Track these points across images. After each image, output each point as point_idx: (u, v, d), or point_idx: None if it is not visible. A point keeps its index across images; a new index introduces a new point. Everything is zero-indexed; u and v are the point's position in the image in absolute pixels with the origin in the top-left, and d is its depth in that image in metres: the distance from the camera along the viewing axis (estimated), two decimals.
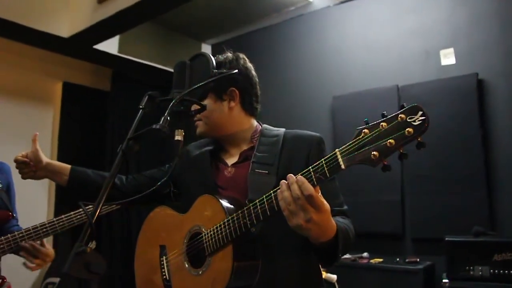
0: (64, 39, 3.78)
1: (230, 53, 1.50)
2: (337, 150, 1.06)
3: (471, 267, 2.74)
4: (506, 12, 3.19)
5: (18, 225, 2.03)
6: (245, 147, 1.52)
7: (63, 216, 1.90)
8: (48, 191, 4.58)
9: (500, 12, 3.22)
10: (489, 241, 2.76)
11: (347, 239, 1.22)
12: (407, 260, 3.19)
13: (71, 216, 1.98)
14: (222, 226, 1.28)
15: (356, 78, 3.89)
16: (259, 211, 1.19)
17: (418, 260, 3.16)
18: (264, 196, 1.19)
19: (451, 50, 3.41)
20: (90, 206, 1.01)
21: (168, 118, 0.97)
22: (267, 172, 1.38)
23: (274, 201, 1.15)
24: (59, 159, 4.45)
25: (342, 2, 4.09)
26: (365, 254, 3.38)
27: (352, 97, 3.86)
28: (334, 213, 1.29)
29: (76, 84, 4.80)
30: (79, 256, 0.91)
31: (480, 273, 2.69)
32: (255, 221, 1.20)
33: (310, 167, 1.10)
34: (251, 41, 4.72)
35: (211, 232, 1.31)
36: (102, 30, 3.69)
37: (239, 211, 1.24)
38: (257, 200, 1.20)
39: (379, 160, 0.99)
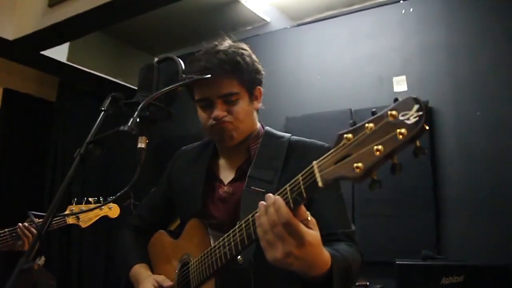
0: (8, 42, 3.54)
1: (232, 43, 1.36)
2: (314, 162, 0.84)
3: None
4: (455, 43, 3.33)
5: None
6: (243, 158, 1.35)
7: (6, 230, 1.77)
8: None
9: (449, 43, 3.35)
10: (437, 264, 2.81)
11: (347, 274, 1.02)
12: (357, 284, 3.17)
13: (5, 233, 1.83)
14: (206, 255, 1.13)
15: (310, 100, 3.91)
16: (238, 239, 1.01)
17: (368, 283, 3.15)
18: (243, 220, 1.01)
19: (404, 77, 3.51)
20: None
21: (138, 120, 0.88)
22: (263, 191, 1.18)
23: (251, 227, 0.96)
24: None
25: (299, 25, 4.14)
26: None
27: (305, 119, 3.87)
28: (338, 237, 1.17)
29: (19, 91, 4.52)
30: (25, 273, 0.79)
31: None
32: (234, 251, 1.03)
33: (288, 184, 0.89)
34: None
35: (197, 263, 1.18)
36: (51, 35, 3.49)
37: (221, 239, 1.08)
38: (237, 226, 1.03)
39: (365, 174, 0.74)
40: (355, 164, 0.74)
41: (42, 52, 3.82)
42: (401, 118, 0.70)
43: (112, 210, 2.06)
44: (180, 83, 0.99)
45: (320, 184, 0.80)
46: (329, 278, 0.95)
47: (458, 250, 3.09)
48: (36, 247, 0.83)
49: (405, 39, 3.56)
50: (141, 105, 0.89)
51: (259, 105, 1.39)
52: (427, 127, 0.69)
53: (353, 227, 1.24)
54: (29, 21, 3.47)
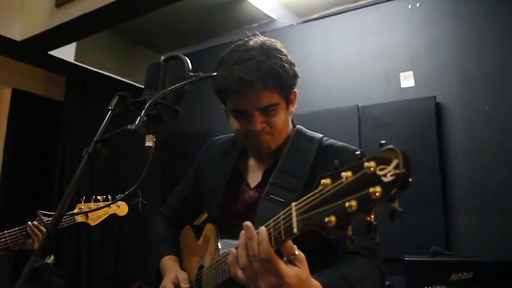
0: (16, 43, 3.57)
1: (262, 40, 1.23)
2: (293, 203, 0.77)
3: (430, 287, 2.74)
4: (462, 38, 3.31)
5: None
6: (271, 161, 1.27)
7: (16, 228, 1.79)
8: None
9: (457, 38, 3.33)
10: (447, 260, 2.79)
11: None
12: None
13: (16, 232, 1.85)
14: (212, 267, 1.10)
15: (316, 97, 3.90)
16: (224, 267, 0.97)
17: None
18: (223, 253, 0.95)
19: (411, 73, 3.49)
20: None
21: (145, 118, 0.88)
22: (283, 201, 1.11)
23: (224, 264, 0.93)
24: (3, 168, 4.23)
25: (305, 22, 4.13)
26: None
27: (312, 116, 3.86)
28: (356, 250, 1.09)
29: (27, 91, 4.55)
30: (35, 272, 0.80)
31: None
32: (222, 276, 1.00)
33: (272, 219, 0.82)
34: (211, 55, 4.56)
35: (206, 271, 1.17)
36: (59, 35, 3.51)
37: (224, 254, 1.01)
38: (225, 251, 0.97)
39: (337, 230, 0.67)
40: (327, 219, 0.67)
41: (50, 52, 3.84)
42: (378, 172, 0.61)
43: (121, 208, 2.07)
44: (187, 81, 0.98)
45: (295, 230, 0.75)
46: None
47: (467, 246, 3.07)
48: (46, 246, 0.84)
49: (412, 34, 3.54)
50: (148, 103, 0.89)
51: (293, 108, 1.31)
52: (406, 187, 0.60)
53: (377, 239, 1.09)
54: (36, 22, 3.49)
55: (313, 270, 0.90)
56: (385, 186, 0.59)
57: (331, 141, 1.27)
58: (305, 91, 3.99)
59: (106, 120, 0.94)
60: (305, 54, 4.06)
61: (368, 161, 0.63)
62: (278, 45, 1.23)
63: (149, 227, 1.62)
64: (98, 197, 2.00)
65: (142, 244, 4.44)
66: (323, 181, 0.70)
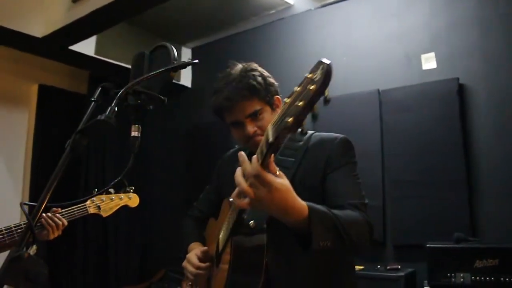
0: (38, 39, 3.65)
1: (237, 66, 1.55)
2: (270, 123, 1.00)
3: (453, 274, 2.68)
4: (485, 17, 3.17)
5: None
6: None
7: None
8: (22, 190, 4.44)
9: (480, 17, 3.20)
10: (470, 247, 2.71)
11: (329, 225, 1.16)
12: (388, 267, 3.12)
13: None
14: (226, 222, 1.37)
15: (336, 83, 3.80)
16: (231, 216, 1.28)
17: (399, 267, 3.10)
18: None
19: (432, 54, 3.38)
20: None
21: (116, 108, 0.88)
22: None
23: None
24: (33, 163, 4.37)
25: (323, 6, 4.05)
26: None
27: (332, 101, 3.69)
28: (344, 207, 1.30)
29: (53, 86, 4.66)
30: (16, 261, 0.81)
31: (462, 280, 2.63)
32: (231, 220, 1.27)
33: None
34: (231, 44, 4.65)
35: (222, 231, 1.42)
36: (77, 30, 3.57)
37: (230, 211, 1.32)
38: None
39: (295, 124, 0.90)
40: (287, 120, 0.89)
41: (71, 47, 3.91)
42: (312, 77, 0.88)
43: (132, 200, 2.11)
44: (163, 69, 0.98)
45: (271, 139, 0.95)
46: (309, 228, 1.10)
47: (493, 232, 2.97)
48: (28, 236, 0.85)
49: (433, 14, 3.42)
50: (119, 92, 0.89)
51: None
52: (326, 80, 0.85)
53: (364, 200, 1.36)
54: (55, 18, 3.55)
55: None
56: (316, 82, 0.86)
57: (320, 132, 1.56)
58: None
59: (89, 112, 0.95)
60: (323, 39, 4.00)
61: (308, 74, 0.90)
62: (253, 65, 1.58)
63: (182, 227, 1.91)
64: (110, 190, 2.04)
65: (167, 235, 4.52)
66: (285, 100, 0.94)
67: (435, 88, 3.30)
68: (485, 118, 3.11)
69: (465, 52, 3.24)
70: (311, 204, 1.14)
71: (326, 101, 0.87)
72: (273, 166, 1.04)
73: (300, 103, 0.88)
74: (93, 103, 0.97)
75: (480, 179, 3.07)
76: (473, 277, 2.61)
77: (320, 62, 0.87)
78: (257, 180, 1.01)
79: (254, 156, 1.04)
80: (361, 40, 3.78)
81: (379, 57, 3.65)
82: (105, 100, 1.04)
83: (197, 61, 1.11)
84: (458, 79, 3.21)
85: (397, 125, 3.45)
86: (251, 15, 4.29)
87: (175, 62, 1.03)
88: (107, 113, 0.87)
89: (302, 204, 1.11)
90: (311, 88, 0.86)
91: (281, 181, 1.05)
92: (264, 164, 1.02)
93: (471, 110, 3.17)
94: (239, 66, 1.57)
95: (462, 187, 3.09)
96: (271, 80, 1.58)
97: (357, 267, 3.18)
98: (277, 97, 1.57)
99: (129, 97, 1.03)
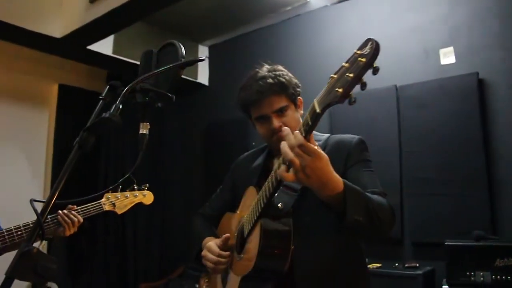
0: (57, 40, 3.71)
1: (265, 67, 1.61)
2: (315, 99, 1.09)
3: (472, 273, 2.63)
4: (506, 10, 3.10)
5: None
6: None
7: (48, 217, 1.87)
8: (43, 189, 4.52)
9: (500, 11, 3.13)
10: (491, 245, 2.66)
11: (361, 201, 1.20)
12: (406, 265, 3.09)
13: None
14: (254, 205, 1.40)
15: None
16: (273, 177, 1.29)
17: (417, 265, 3.06)
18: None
19: (451, 49, 3.32)
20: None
21: (120, 106, 0.89)
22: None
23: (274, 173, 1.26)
24: (54, 162, 4.45)
25: (339, 2, 4.02)
26: None
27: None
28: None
29: (72, 86, 4.75)
30: (25, 256, 0.83)
31: (482, 279, 2.58)
32: (271, 188, 1.29)
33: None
34: (248, 42, 4.66)
35: (248, 214, 1.45)
36: (95, 30, 3.62)
37: (263, 187, 1.35)
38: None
39: (344, 94, 0.98)
40: (338, 90, 0.99)
41: (89, 47, 3.96)
42: (362, 52, 0.97)
43: (146, 197, 2.14)
44: (168, 66, 0.98)
45: (318, 110, 1.04)
46: (344, 201, 1.15)
47: None
48: (37, 232, 0.87)
49: (451, 8, 3.35)
50: (124, 90, 0.89)
51: (302, 112, 1.63)
52: (375, 54, 0.95)
53: (381, 190, 1.42)
54: (73, 19, 3.61)
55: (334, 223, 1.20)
56: (366, 55, 0.96)
57: (336, 135, 1.61)
58: None
59: (97, 110, 0.96)
60: (340, 35, 3.96)
61: (357, 50, 0.99)
62: (279, 67, 1.65)
63: (191, 224, 1.91)
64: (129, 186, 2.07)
65: (185, 232, 4.55)
66: (332, 76, 1.03)
67: (454, 83, 3.24)
68: (506, 114, 3.04)
69: (484, 46, 3.17)
70: (345, 180, 1.19)
71: (375, 70, 0.96)
72: (313, 140, 1.16)
73: (351, 75, 0.96)
74: (101, 101, 0.98)
75: (500, 176, 3.01)
76: (493, 276, 2.56)
77: (369, 39, 0.98)
78: (301, 149, 1.07)
79: (296, 131, 1.10)
80: (378, 36, 3.62)
81: (396, 52, 3.59)
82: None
83: (204, 58, 1.12)
84: (477, 73, 3.14)
85: (415, 122, 3.40)
86: (268, 12, 4.28)
87: (182, 59, 1.03)
88: (111, 110, 0.88)
89: (338, 178, 1.16)
90: (361, 60, 0.95)
91: (323, 153, 1.12)
92: (307, 138, 1.09)
93: (491, 106, 3.10)
94: (266, 66, 1.64)
95: (482, 184, 3.03)
96: (296, 81, 1.64)
97: (375, 265, 3.16)
98: (300, 98, 1.63)
99: (137, 94, 1.04)
